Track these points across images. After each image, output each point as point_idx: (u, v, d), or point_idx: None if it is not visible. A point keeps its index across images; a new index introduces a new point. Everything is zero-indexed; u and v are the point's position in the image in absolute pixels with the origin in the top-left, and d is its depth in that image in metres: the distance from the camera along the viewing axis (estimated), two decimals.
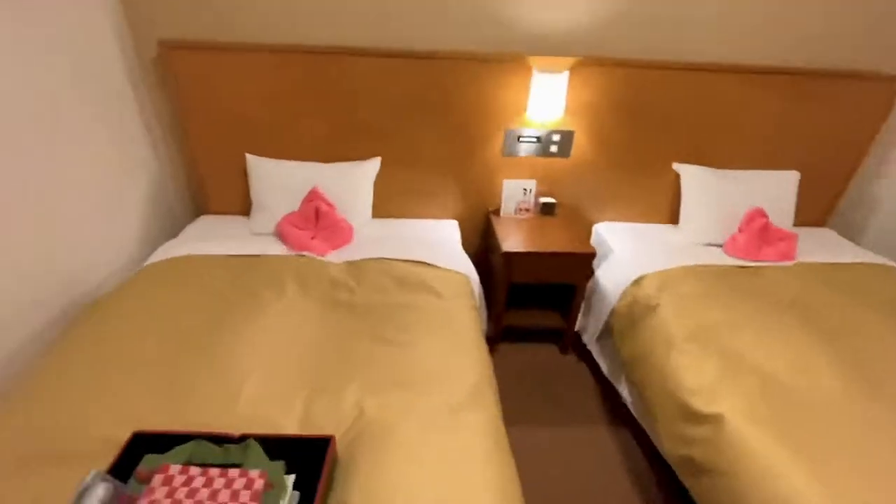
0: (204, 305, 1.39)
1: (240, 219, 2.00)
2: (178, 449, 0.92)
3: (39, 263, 1.40)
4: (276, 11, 1.75)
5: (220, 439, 0.96)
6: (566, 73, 1.80)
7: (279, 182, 1.90)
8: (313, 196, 1.84)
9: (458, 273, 1.68)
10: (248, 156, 1.93)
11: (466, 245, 2.15)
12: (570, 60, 1.82)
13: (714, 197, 1.96)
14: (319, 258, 1.69)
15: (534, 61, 1.82)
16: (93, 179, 1.63)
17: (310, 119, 1.90)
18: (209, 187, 2.04)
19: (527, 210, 2.08)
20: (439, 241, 1.92)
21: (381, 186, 2.02)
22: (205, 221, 2.01)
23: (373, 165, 1.97)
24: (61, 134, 1.48)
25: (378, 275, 1.60)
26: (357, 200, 1.93)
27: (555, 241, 1.88)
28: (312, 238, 1.79)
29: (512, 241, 1.87)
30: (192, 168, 2.03)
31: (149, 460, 0.90)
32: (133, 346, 1.21)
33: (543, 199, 2.08)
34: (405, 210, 2.12)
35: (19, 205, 1.34)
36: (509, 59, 1.81)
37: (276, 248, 1.74)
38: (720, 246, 1.94)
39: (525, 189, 2.03)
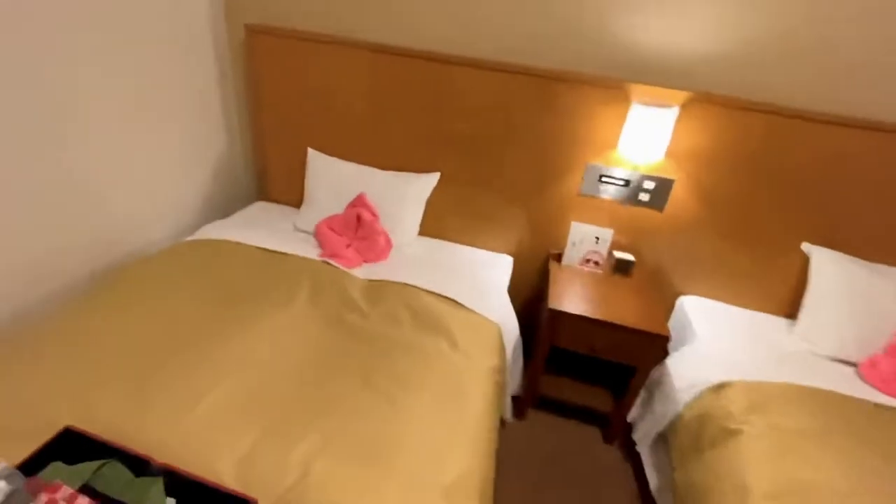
0: (207, 299, 1.31)
1: (292, 211, 1.95)
2: (86, 465, 0.80)
3: (88, 216, 1.45)
4: (366, 8, 1.66)
5: (139, 461, 0.83)
6: (675, 109, 1.46)
7: (332, 181, 1.81)
8: (358, 202, 1.71)
9: (488, 321, 1.43)
10: (309, 150, 1.87)
11: (519, 287, 1.89)
12: (682, 94, 1.48)
13: (856, 296, 1.47)
14: (344, 269, 1.54)
15: (635, 90, 1.51)
16: (163, 145, 1.68)
17: (378, 121, 1.79)
18: (271, 174, 2.03)
19: (596, 263, 1.75)
20: (483, 278, 1.67)
21: (437, 202, 1.84)
22: (259, 207, 1.99)
23: (429, 180, 1.80)
24: (141, 95, 1.54)
25: (397, 302, 1.40)
26: (404, 214, 1.76)
27: (621, 308, 1.53)
28: (347, 246, 1.65)
29: (565, 296, 1.56)
30: (258, 153, 2.03)
31: (53, 470, 0.79)
32: (116, 332, 1.14)
33: (619, 255, 1.74)
34: (457, 233, 1.91)
35: (82, 152, 1.39)
36: (606, 83, 1.52)
37: (307, 250, 1.63)
38: (853, 365, 1.44)
39: (598, 238, 1.71)
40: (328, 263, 1.56)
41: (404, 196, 1.77)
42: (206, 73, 1.80)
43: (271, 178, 2.03)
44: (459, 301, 1.44)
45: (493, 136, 1.70)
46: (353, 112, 1.80)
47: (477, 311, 1.44)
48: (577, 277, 1.69)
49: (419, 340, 1.27)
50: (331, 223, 1.69)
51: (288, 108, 1.86)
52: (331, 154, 1.87)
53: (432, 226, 1.88)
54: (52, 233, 1.35)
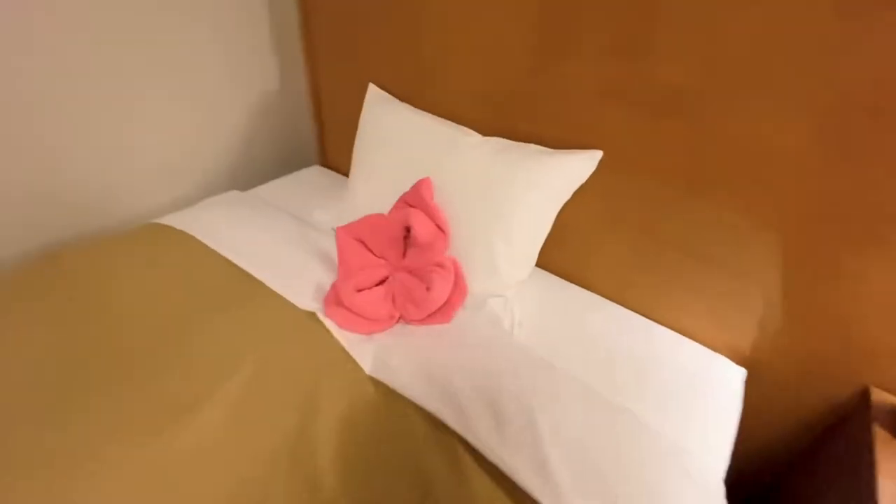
0: (53, 373, 0.64)
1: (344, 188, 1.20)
2: None
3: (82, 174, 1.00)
4: None
5: None
6: None
7: (391, 145, 0.97)
8: (414, 197, 0.84)
9: None
10: (371, 86, 1.06)
11: (748, 436, 0.81)
12: None
13: None
14: (340, 341, 0.72)
15: None
16: (189, 83, 1.13)
17: (491, 42, 0.87)
18: (328, 129, 1.30)
19: None
20: (657, 430, 0.66)
21: (585, 210, 0.86)
22: (308, 176, 1.33)
23: (579, 164, 0.80)
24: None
25: (407, 482, 0.53)
26: (510, 230, 0.81)
27: None
28: (379, 283, 0.82)
29: None
30: (313, 95, 1.29)
31: None
32: None
33: None
34: (617, 284, 0.89)
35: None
36: None
37: (316, 277, 0.86)
38: None
39: None
40: (314, 316, 0.75)
41: (523, 192, 0.80)
42: None
43: (327, 133, 1.31)
44: None
45: (748, 86, 0.62)
46: (448, 27, 0.90)
47: None
48: None
49: None
50: (360, 231, 0.87)
51: (350, 23, 1.06)
52: (404, 98, 1.03)
53: (563, 257, 0.92)
54: None
